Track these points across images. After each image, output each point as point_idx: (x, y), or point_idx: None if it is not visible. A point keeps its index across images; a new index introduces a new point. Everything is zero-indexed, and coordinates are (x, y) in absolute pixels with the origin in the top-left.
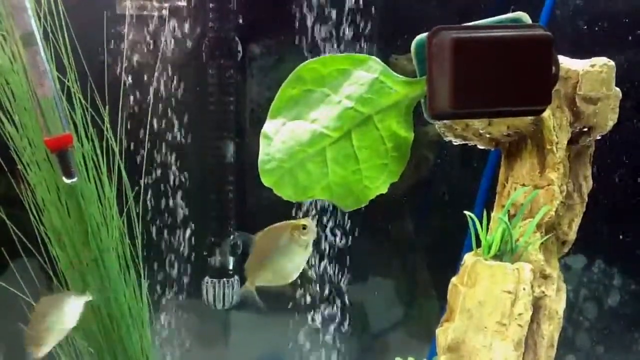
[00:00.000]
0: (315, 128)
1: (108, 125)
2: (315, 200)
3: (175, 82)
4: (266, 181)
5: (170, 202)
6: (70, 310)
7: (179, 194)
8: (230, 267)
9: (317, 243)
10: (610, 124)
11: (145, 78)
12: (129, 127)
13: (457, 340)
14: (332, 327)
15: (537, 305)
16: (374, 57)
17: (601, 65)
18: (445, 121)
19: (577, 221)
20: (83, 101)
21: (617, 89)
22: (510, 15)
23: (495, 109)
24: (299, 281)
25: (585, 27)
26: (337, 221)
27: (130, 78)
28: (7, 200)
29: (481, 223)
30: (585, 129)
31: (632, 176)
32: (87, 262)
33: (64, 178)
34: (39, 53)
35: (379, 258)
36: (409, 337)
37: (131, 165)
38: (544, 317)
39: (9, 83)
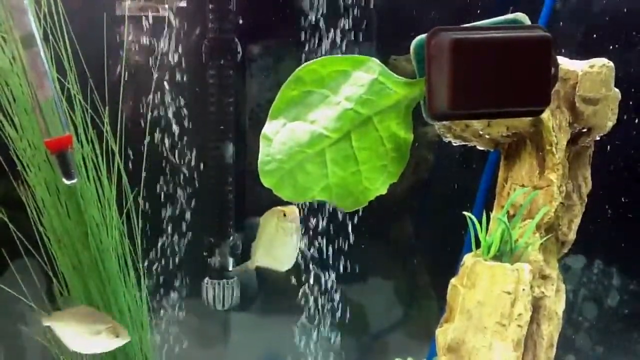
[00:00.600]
0: (314, 129)
1: (108, 128)
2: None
3: (175, 83)
4: (266, 182)
5: (171, 203)
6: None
7: (179, 194)
8: (230, 268)
9: (316, 243)
10: (610, 124)
11: (145, 79)
12: (129, 128)
13: (457, 341)
14: (331, 328)
15: (536, 305)
16: (373, 58)
17: (600, 66)
18: (444, 122)
19: (577, 222)
20: (83, 102)
21: (617, 89)
22: (509, 16)
23: (495, 110)
24: (298, 280)
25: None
26: (337, 221)
27: (129, 79)
28: (7, 202)
29: (481, 224)
30: (585, 130)
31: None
32: (86, 264)
33: (63, 179)
34: (39, 55)
35: (379, 259)
36: (409, 337)
37: (131, 166)
38: (543, 317)
39: (8, 85)
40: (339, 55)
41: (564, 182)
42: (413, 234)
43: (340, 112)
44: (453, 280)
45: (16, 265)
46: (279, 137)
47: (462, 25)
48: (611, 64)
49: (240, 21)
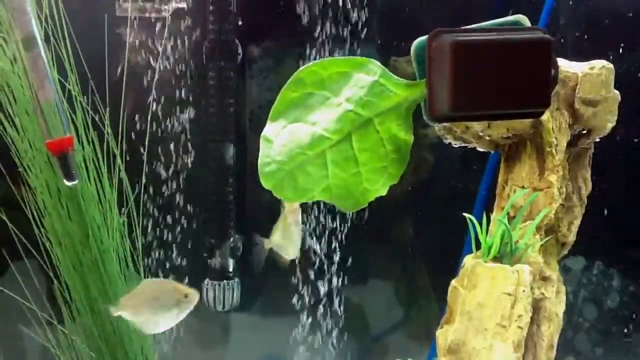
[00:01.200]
0: (315, 131)
1: (109, 129)
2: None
3: (175, 84)
4: (266, 184)
5: (171, 204)
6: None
7: (179, 195)
8: (230, 269)
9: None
10: (609, 126)
11: (146, 80)
12: (129, 129)
13: (457, 342)
14: (331, 329)
15: (536, 307)
16: (373, 59)
17: (600, 67)
18: (444, 124)
19: (577, 223)
20: (84, 103)
21: (616, 91)
22: (509, 18)
23: (495, 112)
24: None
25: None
26: (336, 221)
27: (129, 80)
28: (8, 203)
29: (481, 225)
30: (585, 131)
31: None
32: (87, 264)
33: (64, 180)
34: (40, 56)
35: (379, 260)
36: (409, 338)
37: (131, 167)
38: (543, 318)
39: (10, 86)
40: (340, 57)
41: (564, 183)
42: (413, 235)
43: (341, 114)
44: (453, 282)
45: (17, 266)
46: (280, 138)
47: (462, 27)
48: (611, 65)
49: (240, 22)
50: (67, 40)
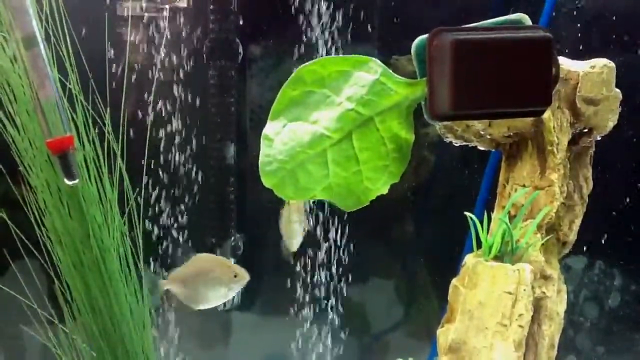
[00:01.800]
0: (316, 129)
1: (110, 129)
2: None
3: (176, 84)
4: (267, 182)
5: (172, 204)
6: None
7: (180, 195)
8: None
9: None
10: (610, 124)
11: (146, 80)
12: (130, 128)
13: (458, 341)
14: (332, 328)
15: (537, 306)
16: (374, 58)
17: (601, 66)
18: (445, 122)
19: (578, 222)
20: (84, 102)
21: (617, 90)
22: (510, 16)
23: (496, 111)
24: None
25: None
26: (337, 222)
27: (131, 79)
28: (8, 202)
29: (482, 224)
30: (586, 130)
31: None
32: (88, 264)
33: (65, 180)
34: (40, 55)
35: (380, 259)
36: (410, 337)
37: (132, 166)
38: (544, 317)
39: (10, 85)
40: (340, 56)
41: (565, 182)
42: (414, 234)
43: (342, 113)
44: (454, 281)
45: (17, 266)
46: (280, 137)
47: (463, 26)
48: (612, 64)
49: (241, 22)
50: (68, 39)
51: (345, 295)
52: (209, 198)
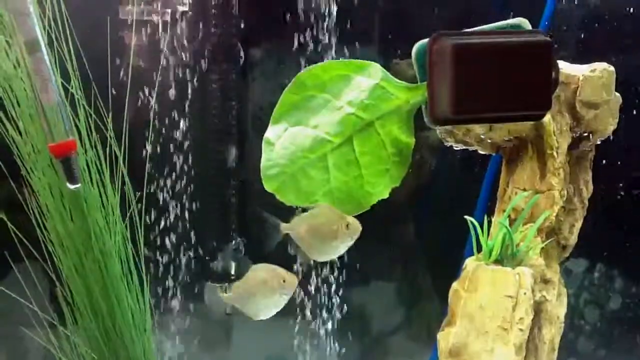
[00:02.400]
0: (316, 134)
1: (112, 133)
2: None
3: (177, 86)
4: (269, 186)
5: (173, 206)
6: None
7: (181, 198)
8: (233, 271)
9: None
10: (610, 128)
11: (148, 83)
12: (132, 131)
13: (459, 345)
14: (333, 331)
15: (538, 309)
16: (374, 62)
17: (601, 70)
18: (446, 126)
19: (578, 226)
20: (86, 107)
21: (617, 94)
22: (510, 21)
23: (496, 114)
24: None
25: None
26: None
27: (132, 83)
28: (10, 205)
29: (482, 228)
30: (586, 134)
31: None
32: (89, 267)
33: (67, 184)
34: (43, 59)
35: (380, 262)
36: (410, 340)
37: (134, 170)
38: (544, 321)
39: (13, 89)
40: (341, 60)
41: (565, 186)
42: (415, 238)
43: (342, 117)
44: (455, 285)
45: (18, 269)
46: (281, 141)
47: (463, 31)
48: (612, 68)
49: (243, 25)
50: (70, 44)
51: (346, 297)
52: (210, 201)
